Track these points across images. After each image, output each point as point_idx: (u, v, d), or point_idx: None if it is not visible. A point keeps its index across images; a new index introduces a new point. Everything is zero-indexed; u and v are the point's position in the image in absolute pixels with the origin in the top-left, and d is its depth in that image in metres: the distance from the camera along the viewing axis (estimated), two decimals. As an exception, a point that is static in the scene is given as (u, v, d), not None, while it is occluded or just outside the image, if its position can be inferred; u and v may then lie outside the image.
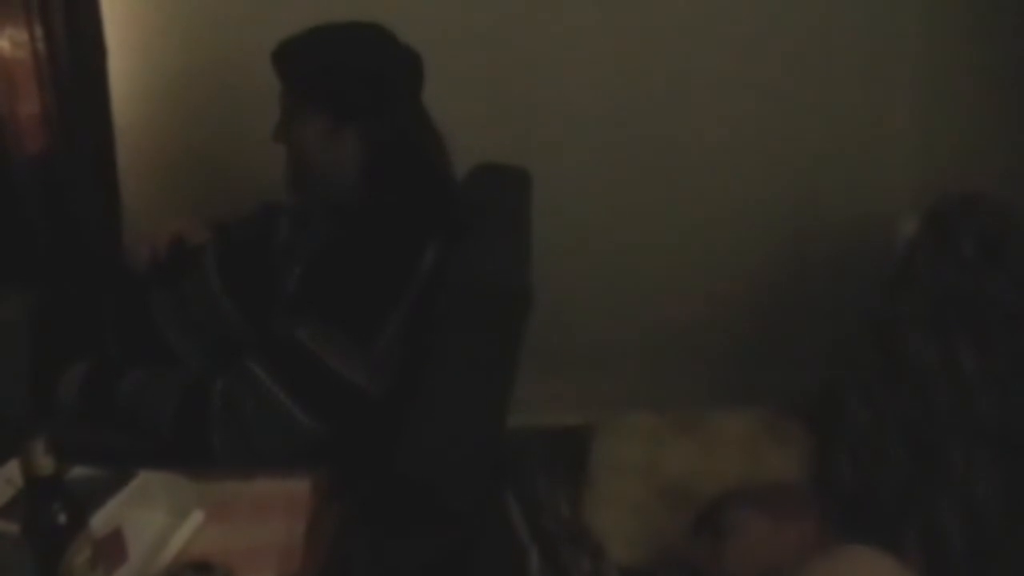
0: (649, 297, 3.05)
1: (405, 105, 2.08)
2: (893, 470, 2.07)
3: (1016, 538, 1.87)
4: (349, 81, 2.01)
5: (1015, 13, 2.73)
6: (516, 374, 2.05)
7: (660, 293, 3.05)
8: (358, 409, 1.90)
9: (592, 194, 2.91)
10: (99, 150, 2.63)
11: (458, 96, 2.60)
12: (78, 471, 1.60)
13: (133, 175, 2.71)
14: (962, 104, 2.83)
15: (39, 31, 2.47)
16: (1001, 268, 2.07)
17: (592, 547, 2.13)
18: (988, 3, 2.76)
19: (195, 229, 2.31)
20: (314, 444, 1.87)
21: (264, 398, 1.83)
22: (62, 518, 1.32)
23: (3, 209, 2.57)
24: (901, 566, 1.82)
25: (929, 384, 2.08)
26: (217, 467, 1.81)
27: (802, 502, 2.05)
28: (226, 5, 2.64)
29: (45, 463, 1.30)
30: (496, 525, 2.09)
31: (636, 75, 2.81)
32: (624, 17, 2.77)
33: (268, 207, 2.31)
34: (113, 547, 1.49)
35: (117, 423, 1.92)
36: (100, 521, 1.46)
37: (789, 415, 2.41)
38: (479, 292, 1.90)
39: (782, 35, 2.80)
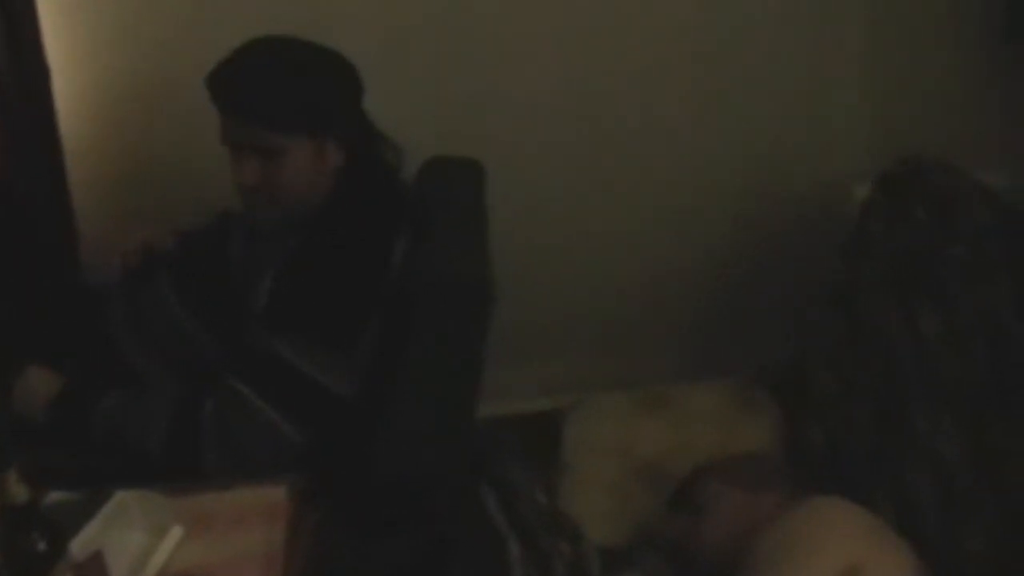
0: (610, 277, 3.07)
1: (360, 106, 2.07)
2: (861, 435, 2.10)
3: (984, 494, 1.90)
4: (321, 98, 1.98)
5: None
6: (483, 366, 2.07)
7: (621, 272, 3.06)
8: (340, 415, 1.90)
9: (547, 179, 2.91)
10: (50, 169, 2.60)
11: (407, 89, 2.62)
12: (54, 496, 1.60)
13: (86, 192, 2.69)
14: (910, 70, 2.86)
15: (-22, 55, 2.45)
16: (954, 229, 2.10)
17: (571, 531, 2.15)
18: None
19: (162, 237, 2.28)
20: (299, 453, 1.87)
21: (253, 416, 1.83)
22: (41, 545, 1.32)
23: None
24: (868, 512, 1.86)
25: (891, 347, 2.11)
26: (192, 480, 1.81)
27: (774, 471, 2.08)
28: (168, 18, 2.62)
29: (19, 491, 1.30)
30: (473, 517, 2.10)
31: (583, 55, 2.82)
32: (571, 3, 2.77)
33: (223, 217, 2.30)
34: (94, 570, 1.48)
35: (93, 445, 1.90)
36: (80, 545, 1.46)
37: (757, 386, 2.43)
38: (441, 289, 1.91)
39: (729, 10, 2.81)
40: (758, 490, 1.98)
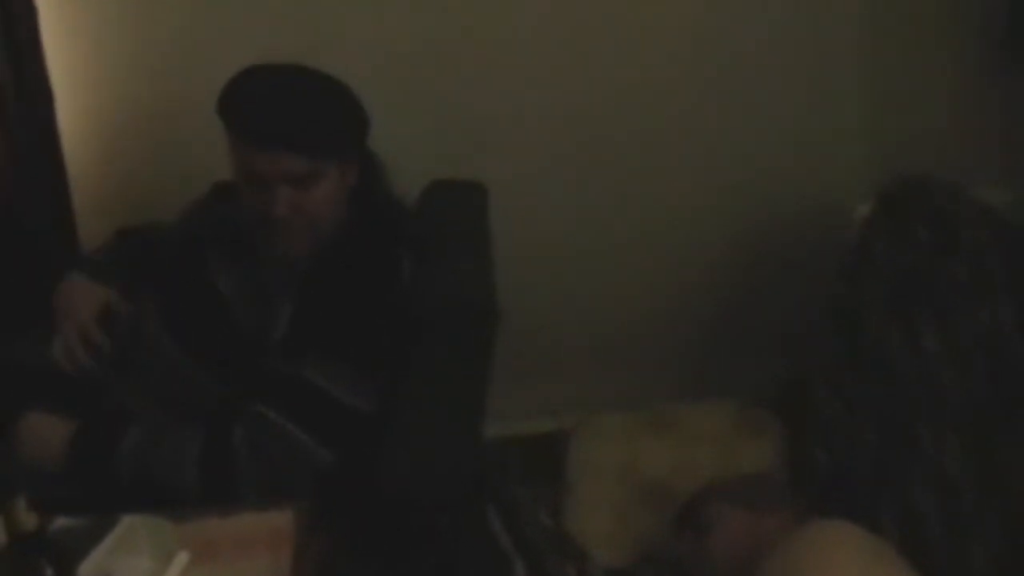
0: (613, 297, 3.06)
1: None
2: (865, 454, 2.11)
3: (990, 512, 1.91)
4: (347, 122, 1.99)
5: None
6: (488, 387, 2.07)
7: (623, 293, 3.06)
8: (364, 434, 1.91)
9: (549, 200, 2.91)
10: (54, 192, 2.61)
11: (405, 111, 2.63)
12: (60, 522, 1.61)
13: (90, 215, 2.69)
14: (909, 87, 2.86)
15: (-18, 82, 2.45)
16: (955, 248, 2.11)
17: (576, 552, 2.15)
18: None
19: (114, 299, 2.11)
20: (327, 472, 1.88)
21: (287, 440, 1.83)
22: (49, 572, 1.33)
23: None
24: (873, 536, 1.86)
25: (894, 366, 2.12)
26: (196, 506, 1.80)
27: (779, 492, 2.08)
28: (170, 41, 2.63)
29: (28, 519, 1.31)
30: (479, 538, 2.10)
31: (584, 79, 2.82)
32: (570, 22, 2.78)
33: (179, 237, 2.24)
34: (102, 596, 1.49)
35: (116, 484, 1.85)
36: (87, 571, 1.47)
37: (760, 406, 2.44)
38: (448, 311, 1.93)
39: (729, 30, 2.81)
40: (762, 510, 1.98)
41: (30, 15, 2.47)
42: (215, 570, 1.60)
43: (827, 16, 2.84)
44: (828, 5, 2.83)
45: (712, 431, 2.38)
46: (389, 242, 2.03)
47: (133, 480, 1.85)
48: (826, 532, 1.87)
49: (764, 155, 2.92)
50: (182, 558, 1.59)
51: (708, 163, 2.93)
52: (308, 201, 1.94)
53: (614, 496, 2.31)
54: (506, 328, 2.02)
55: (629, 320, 3.07)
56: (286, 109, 1.92)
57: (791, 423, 2.35)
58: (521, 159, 2.82)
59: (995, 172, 2.70)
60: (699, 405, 2.49)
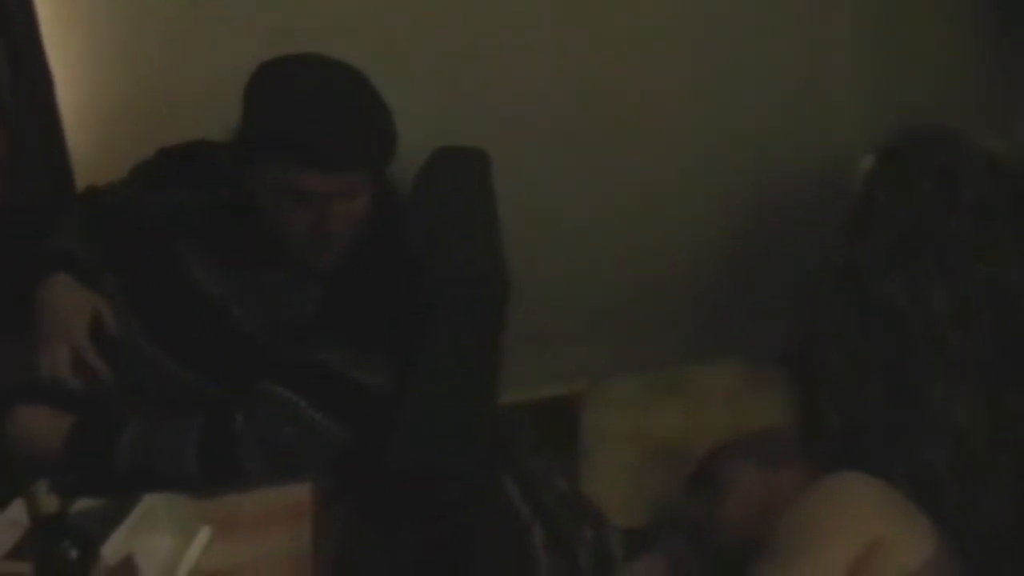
0: (620, 259, 3.06)
1: None
2: (875, 409, 2.11)
3: (1000, 463, 1.91)
4: (390, 127, 1.92)
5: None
6: (501, 356, 2.09)
7: (630, 255, 3.06)
8: (383, 411, 1.91)
9: (553, 163, 2.91)
10: (57, 184, 2.60)
11: (408, 81, 2.61)
12: (81, 504, 1.62)
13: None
14: (907, 37, 2.86)
15: (-21, 71, 2.43)
16: (958, 199, 2.11)
17: (593, 515, 2.17)
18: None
19: (103, 310, 2.00)
20: (342, 450, 1.88)
21: (302, 420, 1.83)
22: (73, 553, 1.34)
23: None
24: (887, 485, 1.87)
25: (900, 320, 2.12)
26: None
27: (790, 447, 2.09)
28: (170, 25, 2.62)
29: (50, 502, 1.33)
30: (496, 506, 2.12)
31: (583, 36, 2.81)
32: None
33: (121, 214, 2.16)
34: (126, 575, 1.51)
35: (115, 478, 1.81)
36: (110, 551, 1.48)
37: (769, 363, 2.44)
38: (459, 291, 1.93)
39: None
40: (776, 466, 1.99)
41: (26, 9, 2.46)
42: (235, 546, 1.61)
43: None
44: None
45: (723, 391, 2.40)
46: (397, 229, 2.02)
47: (133, 473, 1.81)
48: (841, 484, 1.88)
49: (767, 111, 2.91)
50: (205, 534, 1.61)
51: (710, 121, 2.92)
52: (354, 209, 1.89)
53: (628, 460, 2.32)
54: (513, 294, 2.03)
55: (636, 282, 3.07)
56: (344, 126, 1.83)
57: (801, 380, 2.35)
58: (523, 126, 2.81)
59: (997, 122, 2.70)
60: (709, 365, 2.50)
